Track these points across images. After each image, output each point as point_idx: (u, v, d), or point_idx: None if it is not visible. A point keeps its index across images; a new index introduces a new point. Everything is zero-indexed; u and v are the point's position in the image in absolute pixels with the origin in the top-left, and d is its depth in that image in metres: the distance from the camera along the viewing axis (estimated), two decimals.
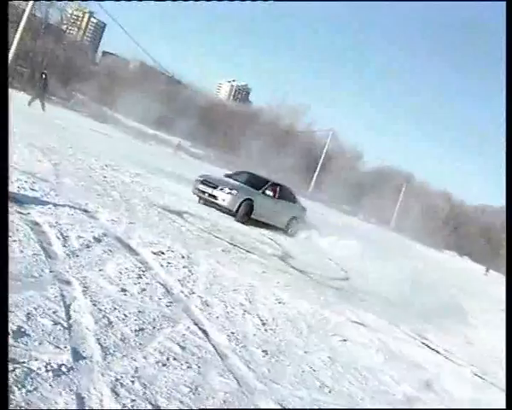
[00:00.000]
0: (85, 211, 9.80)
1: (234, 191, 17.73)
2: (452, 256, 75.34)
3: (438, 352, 10.65)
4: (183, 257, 9.49)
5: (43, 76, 33.14)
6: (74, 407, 3.88)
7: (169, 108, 69.40)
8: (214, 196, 17.65)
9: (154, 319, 6.03)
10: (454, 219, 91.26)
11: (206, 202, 17.99)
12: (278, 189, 19.44)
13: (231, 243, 12.95)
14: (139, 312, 6.07)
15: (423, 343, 10.84)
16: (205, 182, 18.10)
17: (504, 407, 4.60)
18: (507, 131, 6.92)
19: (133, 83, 70.94)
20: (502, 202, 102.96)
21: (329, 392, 6.07)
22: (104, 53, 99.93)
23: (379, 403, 6.38)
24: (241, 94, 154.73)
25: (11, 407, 3.60)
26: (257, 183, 19.15)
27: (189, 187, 18.75)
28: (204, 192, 17.88)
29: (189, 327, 6.22)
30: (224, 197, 17.56)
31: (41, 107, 29.28)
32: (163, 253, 9.18)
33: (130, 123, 52.74)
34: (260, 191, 18.68)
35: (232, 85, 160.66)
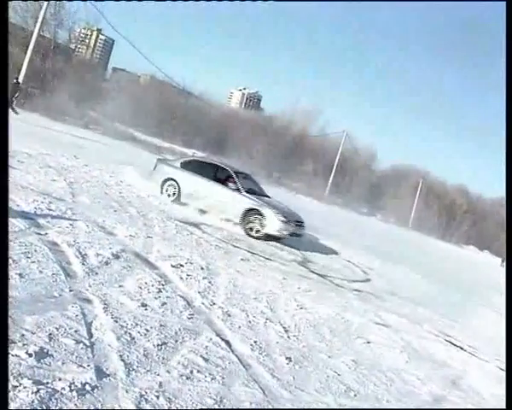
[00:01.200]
0: (103, 228, 9.83)
1: None
2: (472, 251, 74.76)
3: (462, 348, 10.57)
4: (202, 268, 9.49)
5: (16, 81, 33.60)
6: None
7: (182, 121, 69.74)
8: None
9: (176, 333, 6.03)
10: (472, 213, 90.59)
11: None
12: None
13: (250, 252, 12.94)
14: (161, 326, 6.07)
15: (447, 341, 10.75)
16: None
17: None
18: (507, 131, 6.96)
19: (145, 97, 71.26)
20: None
21: (355, 396, 6.03)
22: (114, 69, 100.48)
23: (405, 404, 6.32)
24: (253, 101, 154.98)
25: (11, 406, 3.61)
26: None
27: None
28: None
29: (211, 339, 6.21)
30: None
31: (12, 111, 29.14)
32: (182, 265, 9.18)
33: (143, 137, 52.94)
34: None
35: (243, 93, 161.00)
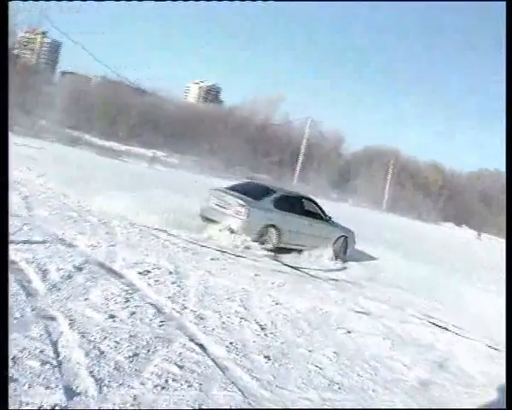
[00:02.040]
0: (62, 240, 9.74)
1: None
2: (450, 228, 75.73)
3: (447, 329, 10.72)
4: (170, 273, 9.45)
5: None
6: None
7: (138, 121, 69.39)
8: None
9: (148, 342, 6.01)
10: (448, 189, 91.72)
11: None
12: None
13: (219, 250, 12.92)
14: (131, 337, 6.04)
15: (431, 323, 10.89)
16: None
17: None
18: (507, 131, 7.19)
19: (96, 100, 70.75)
20: (497, 165, 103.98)
21: (339, 388, 6.09)
22: (63, 73, 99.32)
23: (392, 392, 6.39)
24: (211, 94, 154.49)
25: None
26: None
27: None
28: None
29: (184, 344, 6.21)
30: None
31: None
32: (149, 271, 9.14)
33: (98, 142, 52.53)
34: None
35: (200, 87, 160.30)
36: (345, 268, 15.02)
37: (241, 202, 14.54)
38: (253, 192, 15.44)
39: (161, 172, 39.32)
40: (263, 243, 14.46)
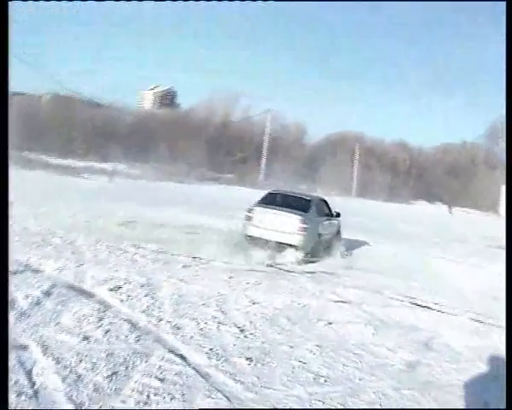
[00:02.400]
0: (28, 266, 9.64)
1: None
2: (422, 205, 76.51)
3: (429, 307, 10.82)
4: (142, 286, 9.41)
5: None
6: None
7: (96, 135, 68.83)
8: None
9: (126, 359, 5.98)
10: (416, 167, 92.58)
11: None
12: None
13: (191, 256, 12.90)
14: (108, 355, 6.00)
15: (412, 303, 11.00)
16: None
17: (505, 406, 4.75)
18: (507, 130, 7.33)
19: (50, 118, 70.07)
20: (463, 136, 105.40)
21: (325, 381, 6.11)
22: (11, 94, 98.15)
23: (378, 378, 6.44)
24: (167, 99, 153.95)
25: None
26: None
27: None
28: None
29: (163, 357, 6.19)
30: None
31: None
32: (120, 287, 9.09)
33: (56, 161, 52.06)
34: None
35: (155, 93, 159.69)
36: (318, 260, 15.08)
37: (301, 217, 14.75)
38: (294, 204, 15.59)
39: (120, 185, 39.09)
40: (313, 255, 14.81)
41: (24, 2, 46.34)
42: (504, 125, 7.88)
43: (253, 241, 14.65)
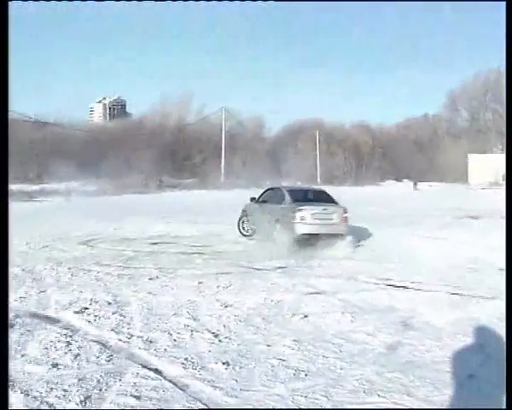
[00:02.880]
0: None
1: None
2: (391, 185, 77.18)
3: (406, 287, 10.95)
4: (109, 304, 9.36)
5: None
6: None
7: (45, 156, 68.07)
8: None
9: (99, 381, 5.93)
10: (380, 146, 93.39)
11: None
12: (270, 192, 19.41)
13: (157, 268, 12.87)
14: (79, 380, 5.95)
15: (388, 285, 11.11)
16: None
17: (505, 406, 4.82)
18: (507, 131, 7.42)
19: None
20: (425, 110, 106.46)
21: (306, 375, 6.14)
22: None
23: (360, 365, 6.49)
24: (117, 109, 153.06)
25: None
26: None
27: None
28: None
29: (138, 373, 6.16)
30: None
31: None
32: (86, 308, 9.03)
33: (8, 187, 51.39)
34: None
35: (104, 104, 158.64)
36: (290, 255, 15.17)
37: (343, 207, 16.88)
38: (319, 197, 17.89)
39: (77, 203, 38.75)
40: None
41: (24, 2, 46.15)
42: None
43: (305, 238, 15.96)
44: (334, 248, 15.45)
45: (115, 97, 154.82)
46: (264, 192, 19.79)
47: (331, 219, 16.31)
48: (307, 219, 16.04)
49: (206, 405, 5.34)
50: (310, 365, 6.48)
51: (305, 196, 18.08)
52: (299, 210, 16.14)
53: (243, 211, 19.64)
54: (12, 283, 11.03)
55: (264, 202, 18.83)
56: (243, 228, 19.07)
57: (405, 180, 79.77)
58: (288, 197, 17.34)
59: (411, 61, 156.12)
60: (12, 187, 51.25)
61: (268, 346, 7.16)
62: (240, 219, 19.31)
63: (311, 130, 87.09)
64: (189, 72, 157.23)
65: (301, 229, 15.97)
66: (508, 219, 6.44)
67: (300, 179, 75.11)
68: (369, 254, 15.01)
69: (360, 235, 17.97)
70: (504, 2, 6.95)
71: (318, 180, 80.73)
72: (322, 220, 16.16)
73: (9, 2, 5.35)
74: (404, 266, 13.03)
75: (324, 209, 16.45)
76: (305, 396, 5.57)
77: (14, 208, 32.52)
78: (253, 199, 19.56)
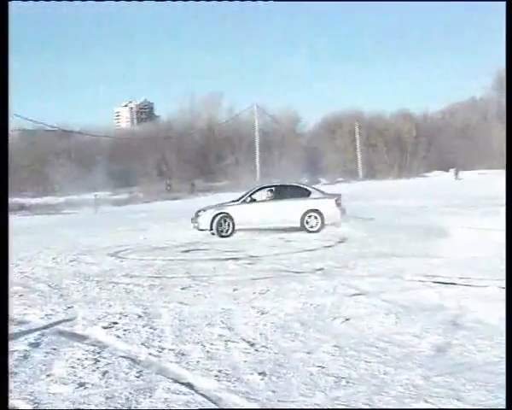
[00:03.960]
0: (11, 320, 9.61)
1: (202, 212, 22.17)
2: (437, 176, 76.36)
3: (454, 283, 10.81)
4: (139, 317, 9.40)
5: None
6: None
7: (71, 166, 68.79)
8: (198, 224, 21.98)
9: (128, 398, 5.94)
10: (424, 135, 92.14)
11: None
12: (275, 190, 22.79)
13: (189, 276, 12.92)
14: (107, 398, 5.96)
15: (435, 282, 10.98)
16: (195, 214, 22.33)
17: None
18: (507, 131, 7.40)
19: (18, 157, 70.05)
20: (471, 93, 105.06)
21: (347, 383, 6.07)
22: None
23: (406, 369, 6.39)
24: (144, 112, 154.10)
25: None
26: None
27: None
28: (194, 223, 22.14)
29: (169, 388, 6.15)
30: (201, 221, 21.83)
31: None
32: (115, 323, 9.08)
33: (33, 201, 52.13)
34: (240, 201, 22.38)
35: (131, 108, 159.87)
36: (330, 246, 15.14)
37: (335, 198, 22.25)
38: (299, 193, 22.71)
39: (105, 214, 39.15)
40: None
41: (24, 2, 47.39)
42: None
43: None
44: (375, 246, 15.37)
45: (142, 100, 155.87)
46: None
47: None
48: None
49: None
50: (351, 371, 6.41)
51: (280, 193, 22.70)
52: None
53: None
54: (38, 300, 11.19)
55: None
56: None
57: (452, 170, 78.84)
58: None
59: (454, 44, 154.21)
60: (38, 200, 52.20)
61: (307, 353, 7.10)
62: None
63: (350, 122, 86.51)
64: (218, 70, 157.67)
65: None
66: (508, 218, 6.43)
67: (341, 175, 74.95)
68: (413, 251, 14.84)
69: (401, 230, 17.86)
70: (504, 3, 7.20)
71: (360, 175, 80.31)
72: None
73: (10, 2, 5.42)
74: (452, 262, 12.87)
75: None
76: (347, 405, 5.51)
77: (41, 222, 33.13)
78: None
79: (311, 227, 21.18)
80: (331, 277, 11.99)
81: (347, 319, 8.60)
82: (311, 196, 22.25)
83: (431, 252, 14.28)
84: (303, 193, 22.52)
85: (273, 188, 22.83)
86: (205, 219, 21.57)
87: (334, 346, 7.32)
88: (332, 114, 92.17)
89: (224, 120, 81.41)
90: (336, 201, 21.69)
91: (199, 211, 22.33)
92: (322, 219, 21.26)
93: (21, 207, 47.32)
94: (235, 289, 11.19)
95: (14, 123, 73.00)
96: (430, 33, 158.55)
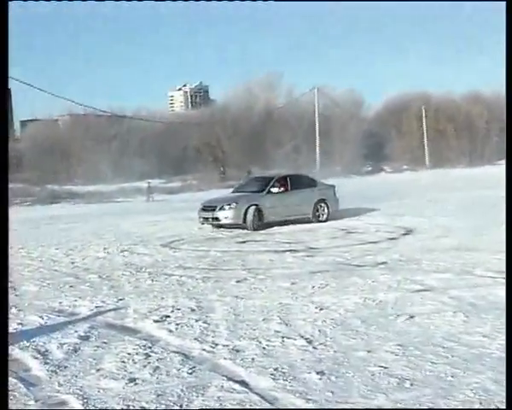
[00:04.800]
0: (61, 312, 9.78)
1: (233, 204, 20.79)
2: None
3: None
4: (192, 310, 9.47)
5: None
6: None
7: (123, 152, 69.42)
8: (216, 219, 20.80)
9: (179, 396, 5.98)
10: (497, 120, 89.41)
11: (215, 226, 21.13)
12: (288, 181, 22.60)
13: (245, 268, 12.96)
14: (158, 396, 6.02)
15: None
16: (204, 208, 21.60)
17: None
18: (507, 130, 7.29)
19: (69, 141, 71.08)
20: None
21: (411, 385, 6.00)
22: (23, 123, 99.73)
23: (475, 372, 6.28)
24: (200, 96, 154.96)
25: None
26: (260, 185, 22.62)
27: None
28: (207, 218, 21.23)
29: (222, 386, 6.18)
30: (225, 215, 20.61)
31: None
32: (167, 316, 9.16)
33: (83, 189, 52.83)
34: (264, 192, 21.78)
35: (185, 91, 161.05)
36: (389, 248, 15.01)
37: None
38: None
39: (158, 203, 39.51)
40: None
41: (24, 2, 48.59)
42: None
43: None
44: (443, 238, 15.21)
45: (197, 84, 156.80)
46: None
47: None
48: None
49: None
50: (416, 372, 6.34)
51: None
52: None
53: None
54: (88, 292, 11.35)
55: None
56: None
57: None
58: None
59: None
60: (90, 188, 52.90)
61: (368, 352, 7.05)
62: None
63: (416, 105, 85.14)
64: (277, 52, 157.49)
65: None
66: (508, 218, 6.34)
67: (406, 163, 74.06)
68: (485, 244, 14.60)
69: (469, 222, 17.62)
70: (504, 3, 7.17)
71: (427, 163, 79.24)
72: None
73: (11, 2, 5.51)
74: None
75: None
76: (410, 408, 5.45)
77: (93, 211, 33.58)
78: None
79: (320, 217, 22.13)
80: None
81: (412, 317, 8.52)
82: (318, 186, 23.28)
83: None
84: (310, 183, 23.45)
85: (287, 178, 22.85)
86: (232, 213, 20.70)
87: (398, 345, 7.26)
88: (397, 97, 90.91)
89: (283, 105, 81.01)
90: (334, 190, 23.37)
91: (211, 204, 21.76)
92: (328, 208, 22.40)
93: (74, 196, 48.01)
94: (293, 283, 11.19)
95: (63, 107, 74.06)
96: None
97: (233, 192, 23.58)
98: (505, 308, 5.99)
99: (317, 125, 71.56)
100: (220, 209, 20.80)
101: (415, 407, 5.48)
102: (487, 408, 5.36)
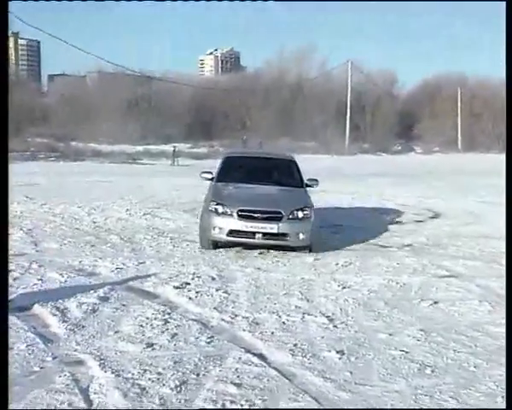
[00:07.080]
0: (81, 270, 9.85)
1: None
2: None
3: None
4: (213, 279, 9.49)
5: None
6: None
7: (151, 114, 69.50)
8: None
9: (196, 365, 6.01)
10: None
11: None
12: None
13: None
14: (175, 363, 6.05)
15: None
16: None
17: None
18: (507, 128, 7.24)
19: (96, 99, 71.15)
20: None
21: (432, 372, 5.99)
22: (51, 77, 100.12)
23: (499, 364, 6.24)
24: (230, 62, 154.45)
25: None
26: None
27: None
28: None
29: (240, 358, 6.20)
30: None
31: None
32: (188, 283, 9.18)
33: (107, 148, 53.02)
34: None
35: (216, 56, 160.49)
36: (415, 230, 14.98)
37: None
38: None
39: (184, 167, 39.47)
40: None
41: (24, 2, 48.61)
42: None
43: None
44: (471, 224, 15.15)
45: (228, 49, 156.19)
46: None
47: None
48: None
49: (314, 398, 5.30)
50: (438, 359, 6.33)
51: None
52: None
53: None
54: (109, 251, 11.42)
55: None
56: None
57: None
58: None
59: None
60: (114, 148, 53.07)
61: (390, 335, 7.05)
62: None
63: (452, 87, 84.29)
64: (311, 24, 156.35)
65: None
66: (508, 218, 6.75)
67: (437, 145, 73.45)
68: None
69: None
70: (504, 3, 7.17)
71: (459, 146, 78.59)
72: None
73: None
74: None
75: None
76: (430, 396, 5.44)
77: (117, 170, 33.68)
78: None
79: None
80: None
81: (436, 302, 8.50)
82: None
83: None
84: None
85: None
86: None
87: (420, 330, 7.25)
88: (433, 77, 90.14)
89: (315, 76, 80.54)
90: None
91: None
92: None
93: (98, 154, 48.15)
94: (316, 259, 11.19)
95: (92, 65, 74.08)
96: None
97: None
98: (505, 308, 5.95)
99: (348, 99, 71.03)
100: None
101: (424, 403, 5.46)
102: (487, 408, 5.34)
